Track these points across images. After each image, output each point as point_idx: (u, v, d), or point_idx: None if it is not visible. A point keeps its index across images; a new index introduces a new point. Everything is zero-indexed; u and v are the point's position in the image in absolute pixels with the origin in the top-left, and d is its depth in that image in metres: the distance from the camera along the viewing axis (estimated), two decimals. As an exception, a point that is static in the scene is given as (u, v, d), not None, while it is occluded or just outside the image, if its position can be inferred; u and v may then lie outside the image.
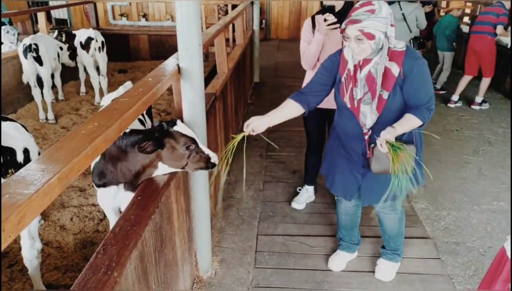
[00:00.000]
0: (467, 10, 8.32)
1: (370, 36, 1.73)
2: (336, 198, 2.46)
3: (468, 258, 2.65)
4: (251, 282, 2.41)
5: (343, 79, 1.96)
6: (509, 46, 5.81)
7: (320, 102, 2.10)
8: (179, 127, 1.75)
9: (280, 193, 3.40)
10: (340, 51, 2.01)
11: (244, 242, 2.78)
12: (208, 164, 1.84)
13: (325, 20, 2.31)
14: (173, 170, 1.81)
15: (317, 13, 2.60)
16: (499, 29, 5.10)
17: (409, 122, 1.85)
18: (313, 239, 2.80)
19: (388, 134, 1.80)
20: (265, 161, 3.97)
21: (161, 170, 1.79)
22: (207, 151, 1.82)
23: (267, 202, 3.27)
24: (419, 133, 2.07)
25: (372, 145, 1.92)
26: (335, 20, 2.28)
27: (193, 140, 1.76)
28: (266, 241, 2.79)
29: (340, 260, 2.53)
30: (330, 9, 2.30)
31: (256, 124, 1.92)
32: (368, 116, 1.93)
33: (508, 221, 3.05)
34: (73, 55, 5.42)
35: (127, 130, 1.73)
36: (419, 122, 1.85)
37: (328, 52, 2.46)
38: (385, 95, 1.86)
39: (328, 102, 2.59)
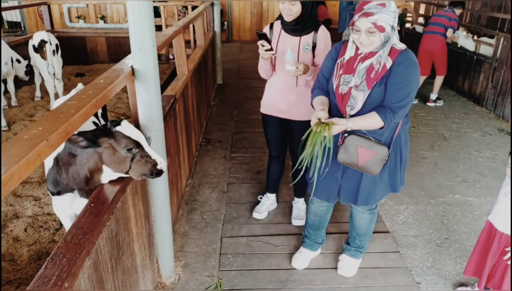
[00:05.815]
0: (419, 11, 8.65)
1: (382, 29, 1.77)
2: (310, 198, 2.41)
3: (426, 250, 2.74)
4: (215, 286, 2.39)
5: (338, 61, 1.98)
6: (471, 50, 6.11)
7: None
8: (123, 127, 1.61)
9: (244, 194, 3.39)
10: (344, 42, 2.01)
11: (208, 245, 2.75)
12: (153, 170, 1.68)
13: (263, 46, 2.36)
14: (118, 174, 1.69)
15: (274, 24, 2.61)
16: (449, 32, 5.50)
17: (366, 120, 1.88)
18: (277, 238, 2.81)
19: (338, 122, 1.85)
20: (229, 163, 3.95)
21: (108, 174, 1.68)
22: (154, 156, 1.67)
23: (232, 204, 3.24)
24: (404, 133, 2.06)
25: (346, 134, 1.95)
26: (269, 47, 2.36)
27: (136, 143, 1.62)
28: (230, 243, 2.77)
29: (303, 258, 2.54)
30: (262, 36, 2.35)
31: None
32: (359, 100, 1.91)
33: (463, 212, 3.19)
34: (30, 71, 5.23)
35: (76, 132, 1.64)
36: (380, 122, 1.86)
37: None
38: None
39: (288, 113, 2.62)
